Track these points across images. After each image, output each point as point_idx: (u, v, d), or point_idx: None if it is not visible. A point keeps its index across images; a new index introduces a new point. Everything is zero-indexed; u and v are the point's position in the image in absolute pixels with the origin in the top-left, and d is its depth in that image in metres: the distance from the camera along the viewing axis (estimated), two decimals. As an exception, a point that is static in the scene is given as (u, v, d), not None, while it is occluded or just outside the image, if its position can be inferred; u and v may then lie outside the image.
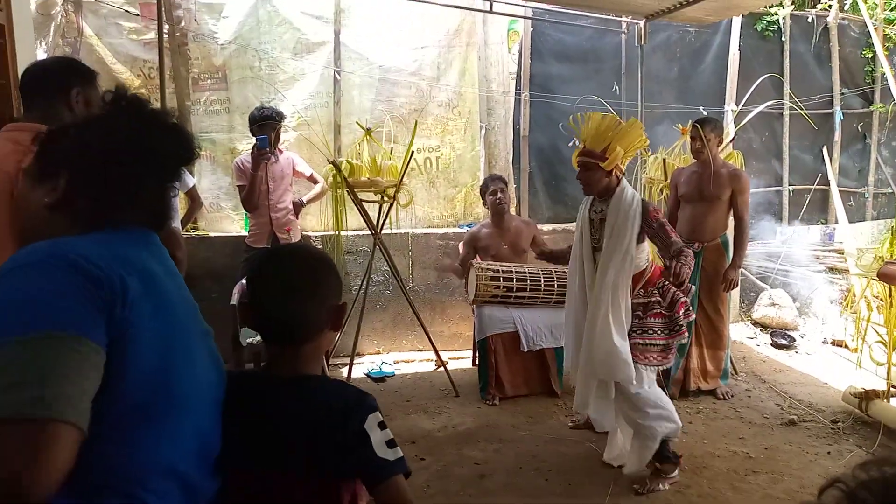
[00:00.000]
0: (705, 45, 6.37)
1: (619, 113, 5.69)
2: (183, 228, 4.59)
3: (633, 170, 5.73)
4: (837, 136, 6.75)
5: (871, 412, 3.82)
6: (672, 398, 4.22)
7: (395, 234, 5.06)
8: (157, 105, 4.45)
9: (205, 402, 1.14)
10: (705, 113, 5.81)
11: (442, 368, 4.46)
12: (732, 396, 4.32)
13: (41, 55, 4.34)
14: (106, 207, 1.11)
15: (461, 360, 4.92)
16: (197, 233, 4.85)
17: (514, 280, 4.23)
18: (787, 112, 6.56)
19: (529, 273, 4.29)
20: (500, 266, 4.28)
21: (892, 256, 3.93)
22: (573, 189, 6.00)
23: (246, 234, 4.61)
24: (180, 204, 4.61)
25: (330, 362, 4.36)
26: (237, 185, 4.47)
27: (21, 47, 3.19)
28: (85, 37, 4.72)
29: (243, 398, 1.23)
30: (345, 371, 4.25)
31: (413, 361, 4.98)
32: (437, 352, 4.48)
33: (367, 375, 4.63)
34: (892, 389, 3.83)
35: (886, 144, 7.02)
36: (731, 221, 4.31)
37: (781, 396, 4.33)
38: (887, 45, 6.84)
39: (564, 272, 4.34)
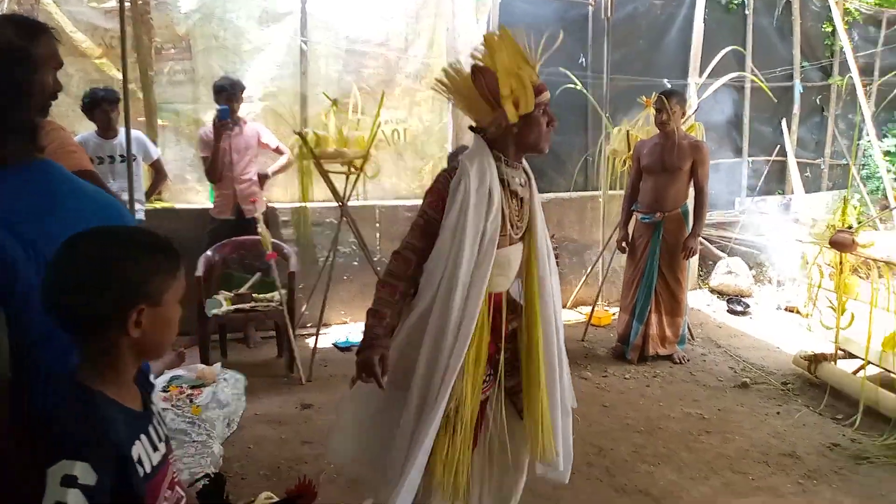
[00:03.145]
0: (670, 17, 6.43)
1: (585, 85, 5.75)
2: (147, 200, 4.57)
3: (598, 142, 5.83)
4: (797, 109, 6.91)
5: (819, 374, 4.00)
6: (630, 363, 4.39)
7: (363, 205, 5.08)
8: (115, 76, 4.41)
9: None
10: (669, 85, 5.90)
11: (409, 338, 4.52)
12: (688, 361, 4.48)
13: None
14: None
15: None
16: (162, 205, 4.82)
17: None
18: (748, 85, 6.68)
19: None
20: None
21: (843, 225, 4.08)
22: (539, 161, 6.08)
23: (212, 205, 4.61)
24: (144, 176, 4.58)
25: (297, 333, 4.40)
26: (201, 157, 4.47)
27: (-25, 14, 3.12)
28: (42, 3, 4.60)
29: None
30: (311, 341, 4.29)
31: (381, 331, 5.04)
32: (404, 321, 4.54)
33: (335, 345, 4.69)
34: (839, 353, 4.00)
35: (842, 117, 7.21)
36: (691, 192, 4.42)
37: (735, 360, 4.50)
38: (847, 19, 6.98)
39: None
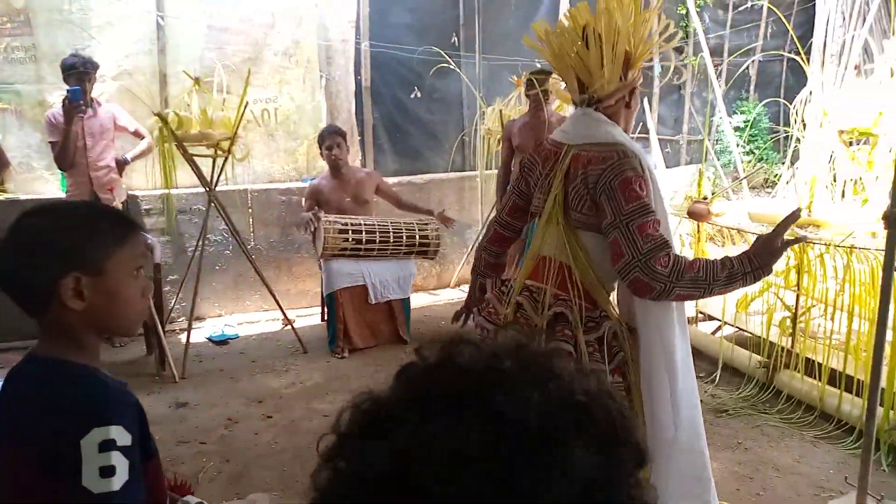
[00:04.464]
0: (539, -3, 6.56)
1: (458, 64, 5.78)
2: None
3: (473, 122, 5.88)
4: (656, 88, 7.29)
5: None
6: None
7: (233, 190, 4.85)
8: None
9: None
10: (539, 64, 6.03)
11: (289, 327, 4.40)
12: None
13: None
14: None
15: (310, 318, 4.88)
16: (4, 196, 4.37)
17: (363, 233, 4.22)
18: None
19: (378, 224, 4.30)
20: (349, 219, 4.25)
21: (699, 197, 4.35)
22: (416, 142, 6.07)
23: (63, 195, 4.23)
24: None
25: (167, 328, 4.15)
26: (49, 142, 4.07)
27: None
28: None
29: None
30: (183, 337, 4.06)
31: (258, 322, 4.86)
32: (282, 310, 4.40)
33: (209, 339, 4.47)
34: (699, 315, 4.28)
35: (697, 95, 7.69)
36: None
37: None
38: (699, 2, 7.43)
39: (411, 222, 4.42)
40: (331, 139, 4.33)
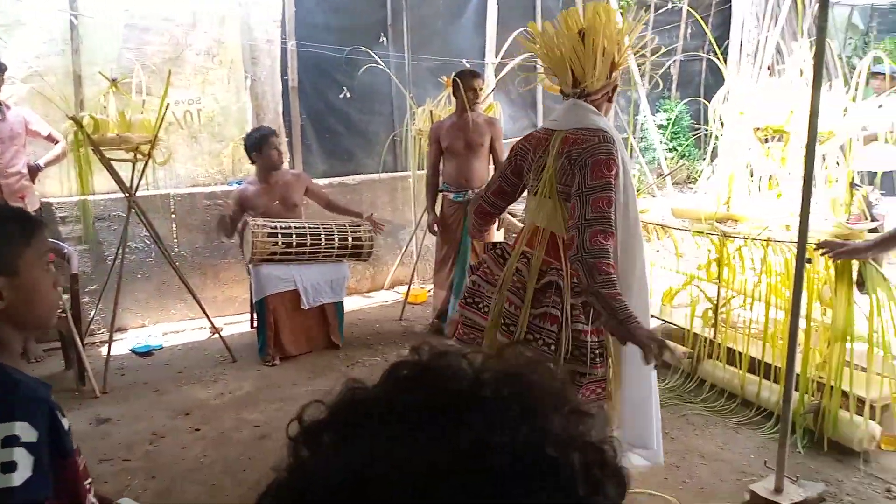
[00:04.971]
0: (466, -2, 6.60)
1: (388, 64, 5.75)
2: None
3: (403, 122, 5.86)
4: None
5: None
6: (448, 337, 4.48)
7: (155, 195, 4.68)
8: None
9: None
10: (468, 65, 6.06)
11: (217, 335, 4.27)
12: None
13: None
14: None
15: (238, 325, 4.76)
16: None
17: (294, 236, 4.13)
18: (540, 65, 7.07)
19: (309, 228, 4.22)
20: (278, 222, 4.16)
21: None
22: (347, 143, 6.00)
23: (-31, 204, 3.99)
24: None
25: (87, 341, 3.97)
26: (-48, 148, 3.84)
27: None
28: None
29: None
30: (104, 349, 3.89)
31: (184, 331, 4.70)
32: (209, 318, 4.28)
33: (132, 351, 4.30)
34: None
35: (622, 94, 7.89)
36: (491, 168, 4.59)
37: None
38: (622, 3, 7.62)
39: (343, 225, 4.36)
40: (274, 139, 4.26)
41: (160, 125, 4.00)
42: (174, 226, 4.79)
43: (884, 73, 5.73)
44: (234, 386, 3.78)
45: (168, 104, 4.06)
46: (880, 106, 4.80)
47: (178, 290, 4.53)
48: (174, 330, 4.71)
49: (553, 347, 2.05)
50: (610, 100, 2.23)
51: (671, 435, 3.15)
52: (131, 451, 3.07)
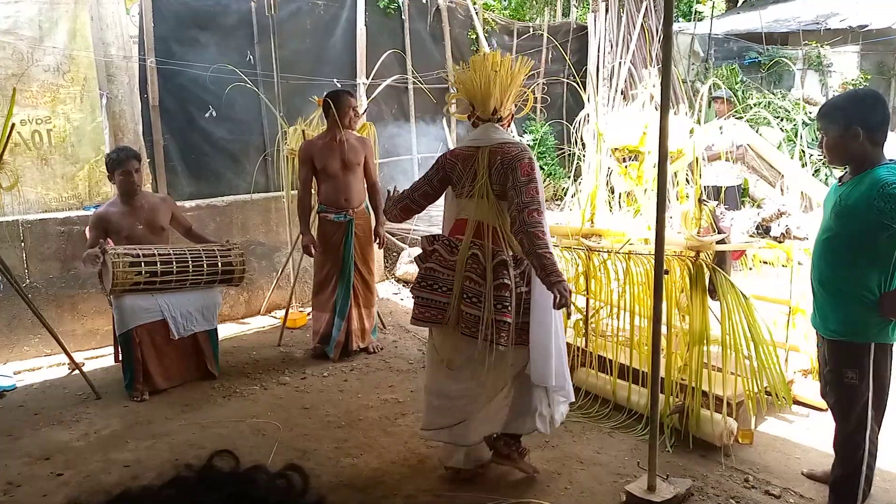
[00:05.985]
0: (334, 18, 6.59)
1: (256, 83, 5.62)
2: None
3: (275, 141, 5.74)
4: (453, 108, 7.63)
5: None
6: (332, 361, 4.42)
7: (1, 222, 4.28)
8: None
9: None
10: (339, 85, 6.06)
11: (77, 371, 3.96)
12: (382, 349, 4.68)
13: None
14: None
15: (102, 359, 4.44)
16: None
17: (158, 264, 3.90)
18: (411, 86, 7.19)
19: (175, 254, 4.00)
20: (141, 250, 3.91)
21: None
22: (215, 163, 5.79)
23: None
24: None
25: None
26: None
27: None
28: None
29: None
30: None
31: (40, 368, 4.32)
32: (68, 353, 3.95)
33: (-21, 393, 3.89)
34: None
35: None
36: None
37: (422, 342, 4.83)
38: (486, 28, 7.92)
39: (212, 249, 4.18)
40: (129, 164, 3.99)
41: (5, 147, 3.67)
42: (24, 255, 4.39)
43: (723, 98, 6.35)
44: (101, 425, 3.51)
45: (13, 124, 3.74)
46: (720, 128, 5.30)
47: (32, 325, 4.16)
48: (28, 367, 4.31)
49: (507, 305, 2.64)
50: (508, 125, 2.93)
51: (552, 443, 3.29)
52: (-20, 506, 2.78)
